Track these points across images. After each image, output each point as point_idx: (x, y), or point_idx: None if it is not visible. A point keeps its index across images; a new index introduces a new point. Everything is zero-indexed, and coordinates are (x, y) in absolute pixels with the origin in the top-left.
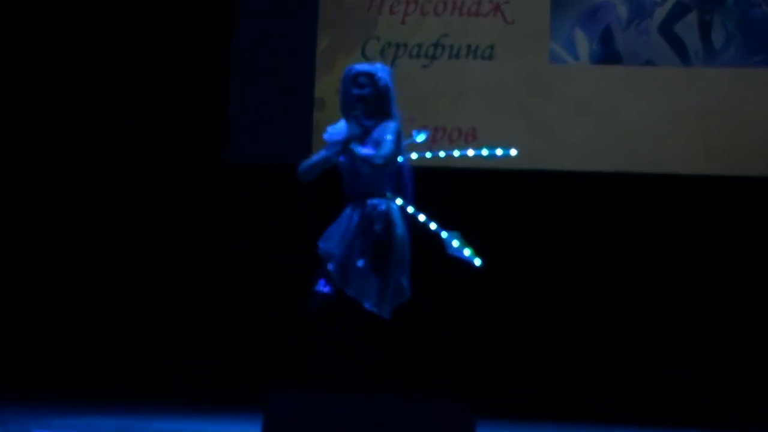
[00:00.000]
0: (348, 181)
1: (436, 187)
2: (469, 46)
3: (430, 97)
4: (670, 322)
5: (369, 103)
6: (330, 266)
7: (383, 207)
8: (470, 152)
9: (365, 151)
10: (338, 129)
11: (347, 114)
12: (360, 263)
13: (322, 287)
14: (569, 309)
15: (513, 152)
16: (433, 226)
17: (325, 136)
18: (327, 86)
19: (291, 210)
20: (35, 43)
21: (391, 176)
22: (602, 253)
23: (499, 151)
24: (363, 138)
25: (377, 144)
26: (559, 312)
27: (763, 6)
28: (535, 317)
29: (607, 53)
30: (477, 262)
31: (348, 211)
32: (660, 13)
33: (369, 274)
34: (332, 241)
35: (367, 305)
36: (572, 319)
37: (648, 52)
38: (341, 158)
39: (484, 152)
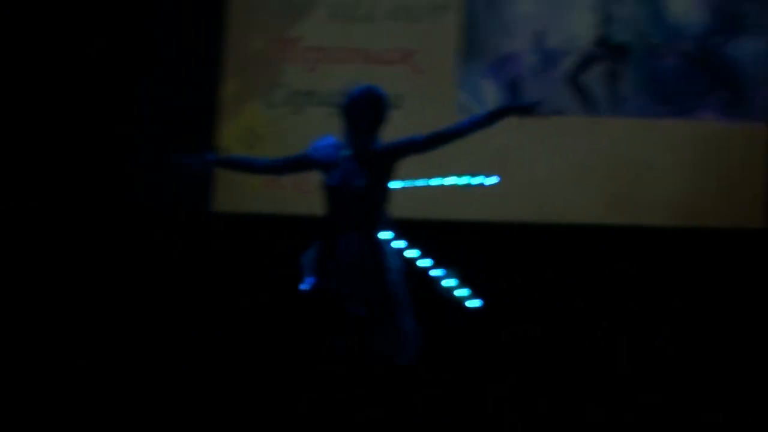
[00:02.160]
0: (340, 208)
1: None
2: None
3: None
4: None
5: None
6: (356, 310)
7: (392, 241)
8: (447, 181)
9: None
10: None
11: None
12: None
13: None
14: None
15: (491, 181)
16: (424, 263)
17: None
18: (231, 134)
19: (183, 257)
20: None
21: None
22: (518, 304)
23: (476, 180)
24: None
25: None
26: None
27: (671, 57)
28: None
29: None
30: (473, 303)
31: (341, 243)
32: (569, 63)
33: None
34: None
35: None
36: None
37: (556, 102)
38: (334, 181)
39: (461, 181)
